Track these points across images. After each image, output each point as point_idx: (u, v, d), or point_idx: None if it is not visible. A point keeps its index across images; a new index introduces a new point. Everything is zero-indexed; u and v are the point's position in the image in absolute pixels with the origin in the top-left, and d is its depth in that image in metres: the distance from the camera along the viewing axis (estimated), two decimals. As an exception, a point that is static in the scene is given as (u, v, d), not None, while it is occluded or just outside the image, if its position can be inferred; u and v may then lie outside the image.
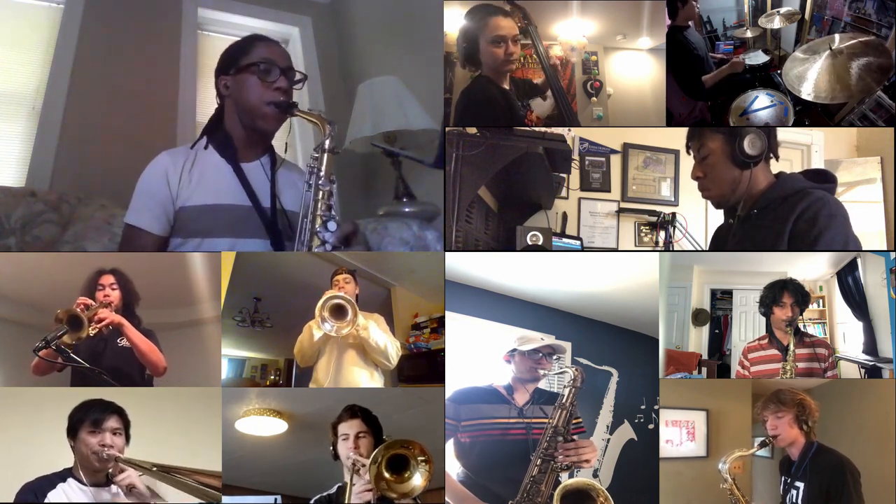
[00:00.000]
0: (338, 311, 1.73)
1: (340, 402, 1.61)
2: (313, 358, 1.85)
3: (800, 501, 1.54)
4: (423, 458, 1.40)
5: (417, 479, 1.40)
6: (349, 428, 1.54)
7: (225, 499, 1.38)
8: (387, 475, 1.39)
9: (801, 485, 1.54)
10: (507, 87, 2.14)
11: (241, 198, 1.74)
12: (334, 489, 1.53)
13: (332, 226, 1.56)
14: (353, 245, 1.60)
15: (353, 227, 1.60)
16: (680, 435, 1.92)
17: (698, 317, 2.52)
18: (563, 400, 1.52)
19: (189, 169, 1.74)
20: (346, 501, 1.44)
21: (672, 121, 2.32)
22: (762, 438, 1.62)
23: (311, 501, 1.51)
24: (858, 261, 2.15)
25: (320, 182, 1.59)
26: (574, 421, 1.53)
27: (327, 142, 1.61)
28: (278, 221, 1.78)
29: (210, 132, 1.84)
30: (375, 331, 1.80)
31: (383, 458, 1.40)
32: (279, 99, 1.69)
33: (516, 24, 2.08)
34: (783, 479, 1.62)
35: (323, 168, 1.61)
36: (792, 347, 1.81)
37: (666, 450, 1.90)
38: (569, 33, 2.63)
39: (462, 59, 2.10)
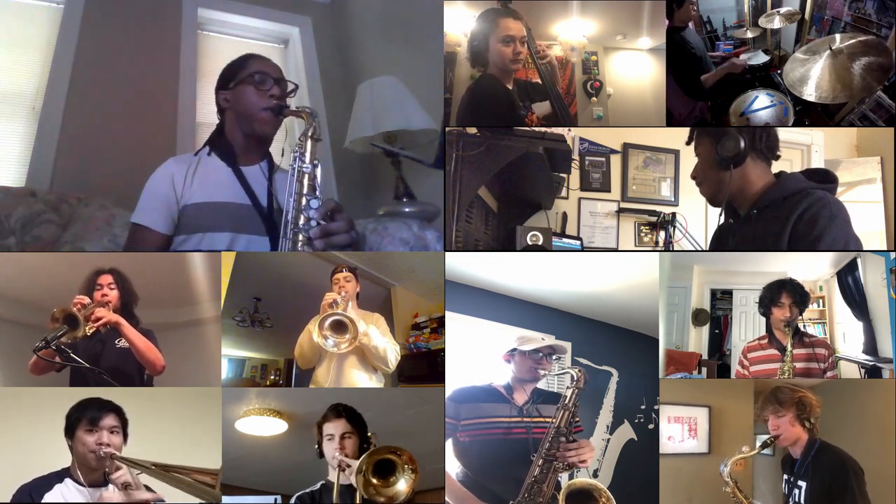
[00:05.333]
0: (338, 326, 1.75)
1: (341, 401, 1.61)
2: (314, 360, 1.85)
3: (803, 500, 1.52)
4: (410, 466, 1.42)
5: (402, 485, 1.41)
6: (334, 428, 1.55)
7: (225, 499, 1.38)
8: (374, 480, 1.41)
9: (803, 483, 1.53)
10: (510, 87, 2.20)
11: (241, 196, 1.86)
12: (317, 486, 1.54)
13: (314, 203, 1.67)
14: (338, 220, 1.69)
15: (334, 204, 1.71)
16: (682, 432, 1.91)
17: (698, 317, 2.52)
18: (566, 401, 1.52)
19: (192, 173, 1.88)
20: (334, 502, 1.45)
21: (672, 121, 2.32)
22: (764, 438, 1.60)
23: (293, 499, 1.52)
24: (858, 261, 2.14)
25: (304, 166, 1.71)
26: (573, 420, 1.53)
27: (310, 130, 1.73)
28: (275, 218, 1.87)
29: (212, 142, 1.98)
30: (377, 336, 1.81)
31: (368, 465, 1.41)
32: (273, 104, 1.85)
33: (524, 26, 2.16)
34: (786, 477, 1.61)
35: (307, 153, 1.72)
36: (789, 348, 1.80)
37: (667, 446, 1.89)
38: (569, 33, 2.63)
39: (471, 58, 2.21)
